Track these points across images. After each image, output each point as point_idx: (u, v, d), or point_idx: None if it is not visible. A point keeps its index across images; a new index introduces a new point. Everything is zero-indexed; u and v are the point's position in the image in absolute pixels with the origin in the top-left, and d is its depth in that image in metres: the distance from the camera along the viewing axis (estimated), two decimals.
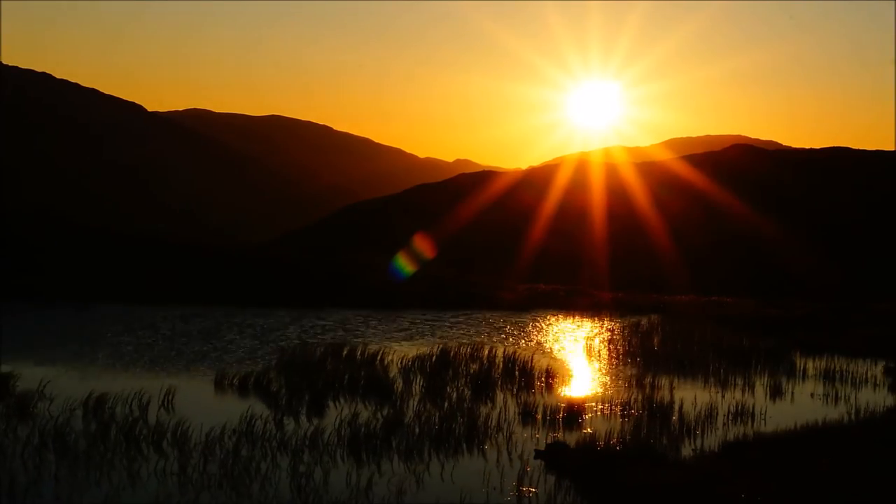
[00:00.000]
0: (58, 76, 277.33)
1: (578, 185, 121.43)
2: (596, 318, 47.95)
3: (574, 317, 48.52)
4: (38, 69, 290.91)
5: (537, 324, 43.57)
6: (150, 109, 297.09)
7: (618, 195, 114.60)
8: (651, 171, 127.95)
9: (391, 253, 73.31)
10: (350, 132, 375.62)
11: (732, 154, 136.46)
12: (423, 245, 79.31)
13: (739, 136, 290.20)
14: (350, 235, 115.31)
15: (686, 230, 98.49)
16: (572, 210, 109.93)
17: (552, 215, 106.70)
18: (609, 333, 40.28)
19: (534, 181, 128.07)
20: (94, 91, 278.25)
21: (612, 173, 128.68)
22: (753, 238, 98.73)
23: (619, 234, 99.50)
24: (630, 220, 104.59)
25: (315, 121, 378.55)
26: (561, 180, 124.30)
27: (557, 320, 46.26)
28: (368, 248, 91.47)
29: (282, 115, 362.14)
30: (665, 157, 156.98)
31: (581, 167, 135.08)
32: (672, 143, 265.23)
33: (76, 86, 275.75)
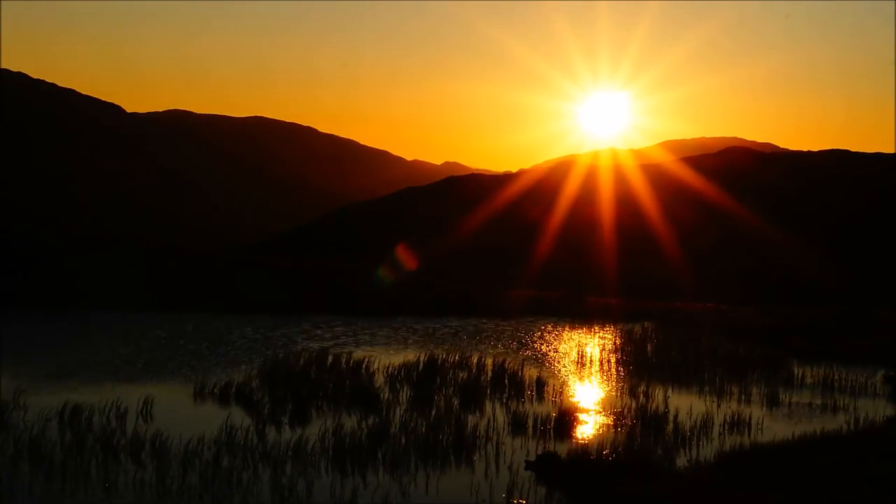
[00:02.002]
0: (34, 76, 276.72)
1: (572, 187, 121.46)
2: (591, 325, 47.97)
3: (568, 323, 48.49)
4: (14, 69, 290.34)
5: (529, 330, 43.54)
6: (129, 110, 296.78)
7: (617, 196, 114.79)
8: (648, 173, 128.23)
9: (380, 257, 73.24)
10: (335, 133, 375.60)
11: (733, 156, 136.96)
12: (405, 256, 79.29)
13: (735, 139, 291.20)
14: (336, 239, 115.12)
15: (689, 233, 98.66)
16: (567, 211, 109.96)
17: (550, 218, 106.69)
18: (603, 340, 40.33)
19: (528, 184, 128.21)
20: (71, 91, 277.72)
21: (607, 175, 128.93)
22: (756, 241, 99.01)
23: (620, 237, 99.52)
24: (631, 223, 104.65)
25: (300, 122, 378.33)
26: (556, 182, 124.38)
27: (550, 327, 46.23)
28: (355, 253, 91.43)
29: (265, 116, 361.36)
30: (662, 158, 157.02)
31: (575, 169, 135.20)
32: (668, 146, 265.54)
33: (53, 86, 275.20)
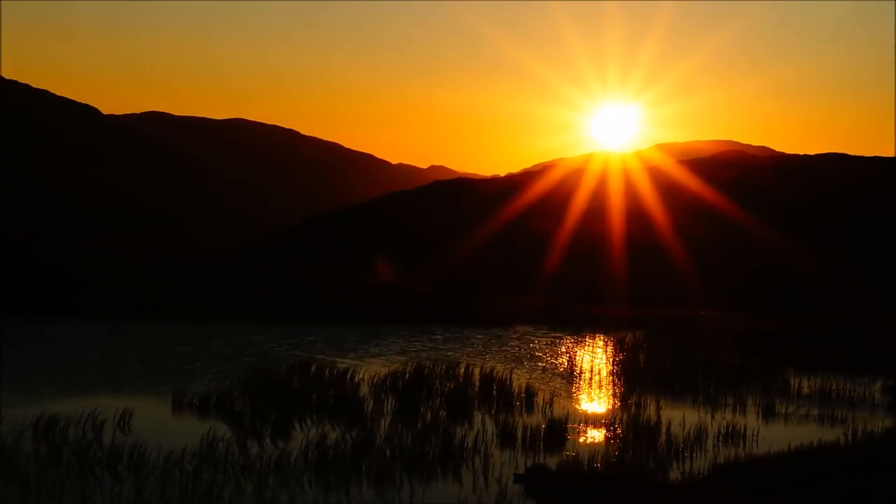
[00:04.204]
0: (7, 76, 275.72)
1: (567, 189, 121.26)
2: (584, 334, 47.93)
3: (561, 332, 48.41)
4: None
5: (519, 339, 43.54)
6: (105, 112, 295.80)
7: (615, 199, 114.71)
8: (647, 175, 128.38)
9: (364, 263, 73.10)
10: (318, 136, 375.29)
11: (733, 159, 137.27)
12: (382, 268, 79.17)
13: (729, 142, 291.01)
14: (320, 245, 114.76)
15: (693, 237, 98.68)
16: (565, 213, 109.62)
17: (546, 220, 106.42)
18: (595, 350, 40.39)
19: (524, 186, 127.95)
20: (44, 92, 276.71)
21: (599, 174, 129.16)
22: (757, 244, 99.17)
23: (626, 242, 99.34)
24: (635, 227, 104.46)
25: (282, 125, 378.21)
26: (552, 183, 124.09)
27: (542, 336, 46.21)
28: (339, 259, 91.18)
29: (246, 118, 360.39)
30: (658, 161, 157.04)
31: (570, 170, 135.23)
32: (662, 149, 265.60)
33: (26, 86, 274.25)
